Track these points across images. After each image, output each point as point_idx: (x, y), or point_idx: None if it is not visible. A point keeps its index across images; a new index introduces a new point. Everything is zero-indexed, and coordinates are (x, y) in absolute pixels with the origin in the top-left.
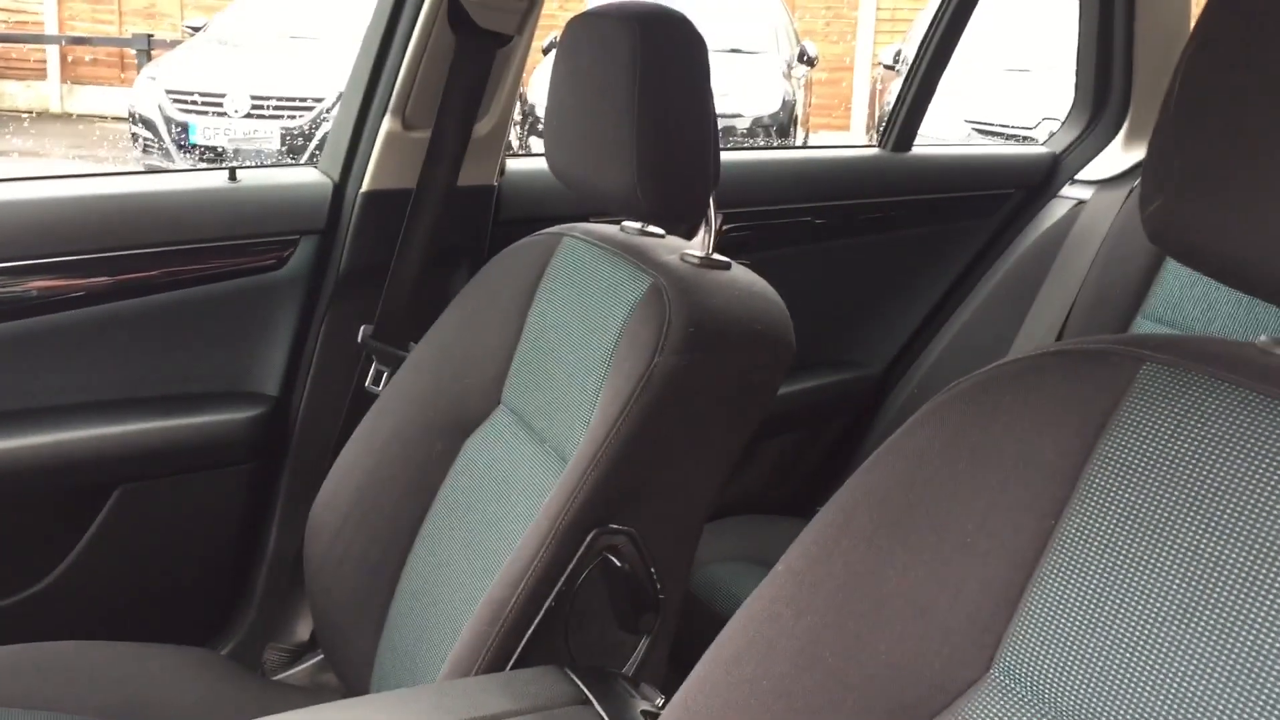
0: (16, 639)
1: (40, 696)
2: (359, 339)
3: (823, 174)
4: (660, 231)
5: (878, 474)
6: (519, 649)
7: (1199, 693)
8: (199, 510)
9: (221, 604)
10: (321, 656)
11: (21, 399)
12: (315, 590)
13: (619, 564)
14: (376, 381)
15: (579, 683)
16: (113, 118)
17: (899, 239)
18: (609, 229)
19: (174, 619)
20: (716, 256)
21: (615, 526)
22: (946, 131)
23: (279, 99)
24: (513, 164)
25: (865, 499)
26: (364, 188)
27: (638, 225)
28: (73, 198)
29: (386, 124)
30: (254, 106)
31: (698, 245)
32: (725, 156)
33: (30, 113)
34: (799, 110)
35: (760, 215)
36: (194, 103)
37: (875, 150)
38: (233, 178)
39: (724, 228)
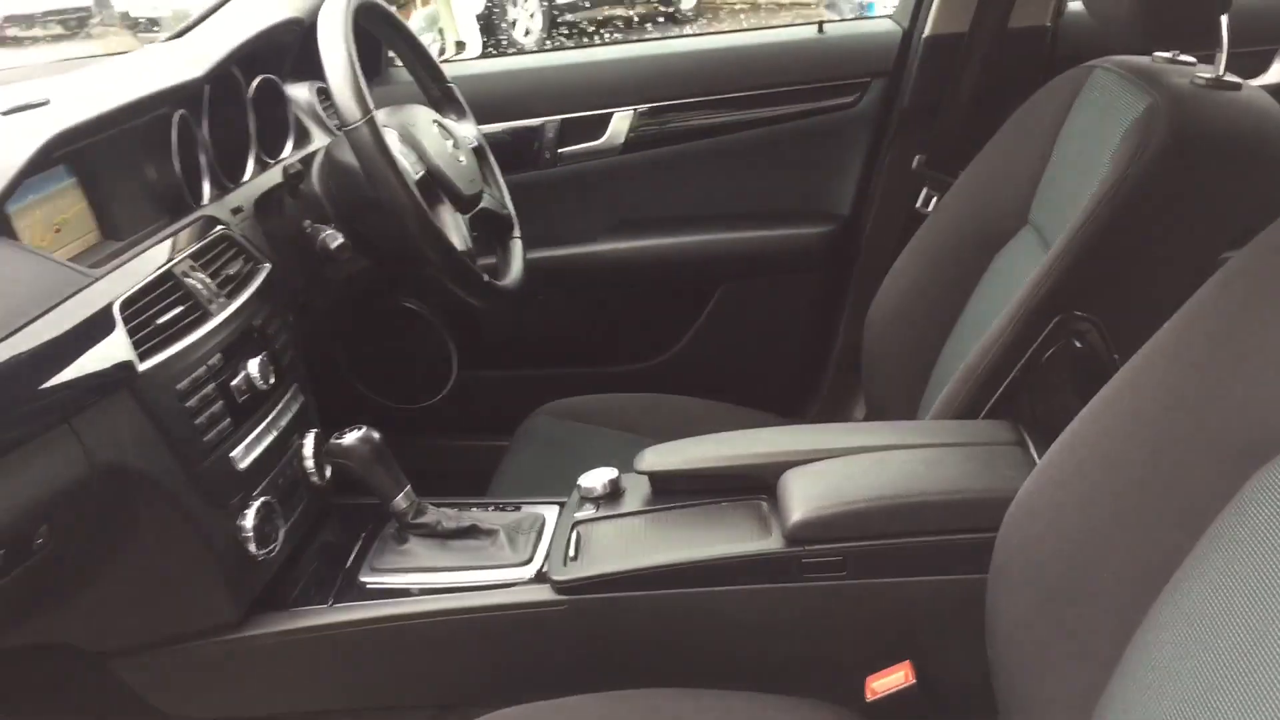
0: (645, 390)
1: (651, 428)
2: (914, 166)
3: None
4: (1191, 59)
5: (1256, 253)
6: (985, 408)
7: None
8: (783, 307)
9: (798, 384)
10: None
11: (656, 209)
12: (868, 377)
13: (1079, 346)
14: (927, 204)
15: (1023, 432)
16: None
17: None
18: (1141, 60)
19: (761, 393)
20: (1228, 78)
21: (1080, 314)
22: None
23: None
24: (1075, 5)
25: (1242, 272)
26: (926, 33)
27: (1169, 54)
28: (694, 51)
29: None
30: None
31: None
32: None
33: None
34: None
35: None
36: None
37: None
38: (820, 30)
39: None
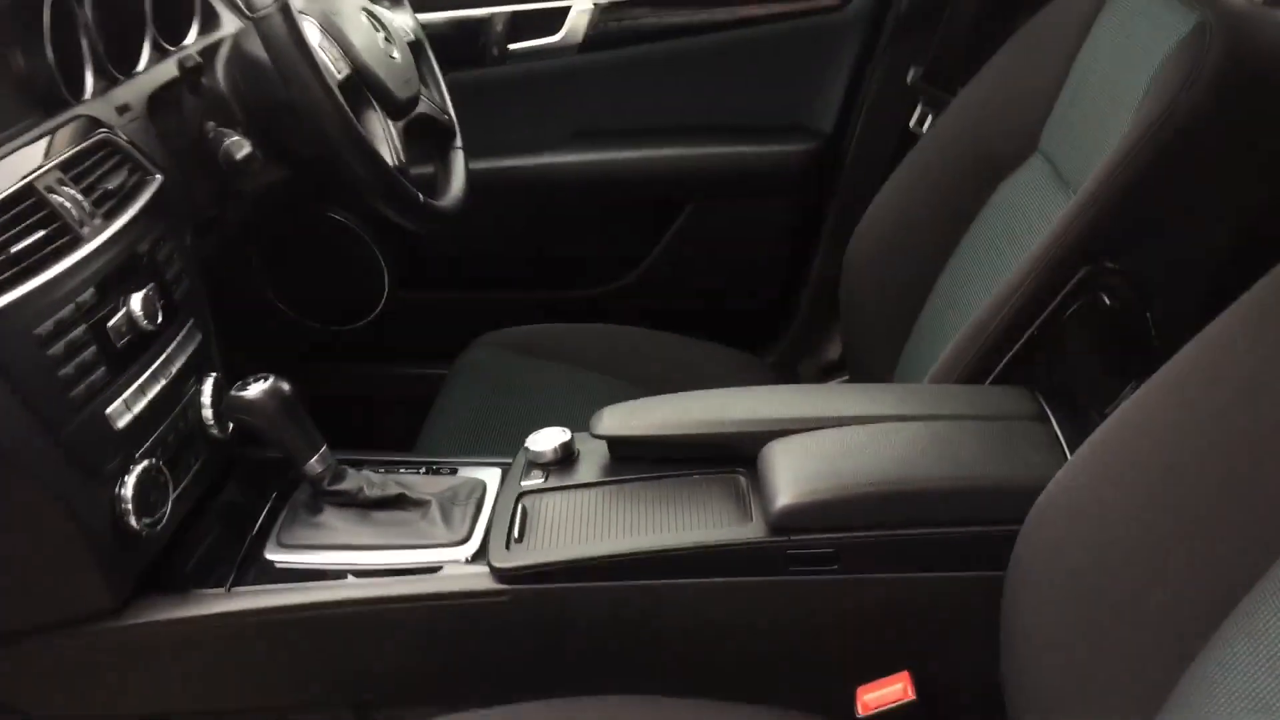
0: (600, 320)
1: (607, 365)
2: (909, 80)
3: None
4: None
5: None
6: (996, 369)
7: None
8: (755, 231)
9: (767, 318)
10: (847, 377)
11: (617, 118)
12: (847, 316)
13: (1109, 303)
14: (921, 123)
15: (1043, 403)
16: None
17: None
18: None
19: (726, 326)
20: None
21: (1111, 265)
22: None
23: None
24: None
25: None
26: None
27: None
28: None
29: None
30: None
31: None
32: None
33: None
34: None
35: None
36: None
37: None
38: None
39: None
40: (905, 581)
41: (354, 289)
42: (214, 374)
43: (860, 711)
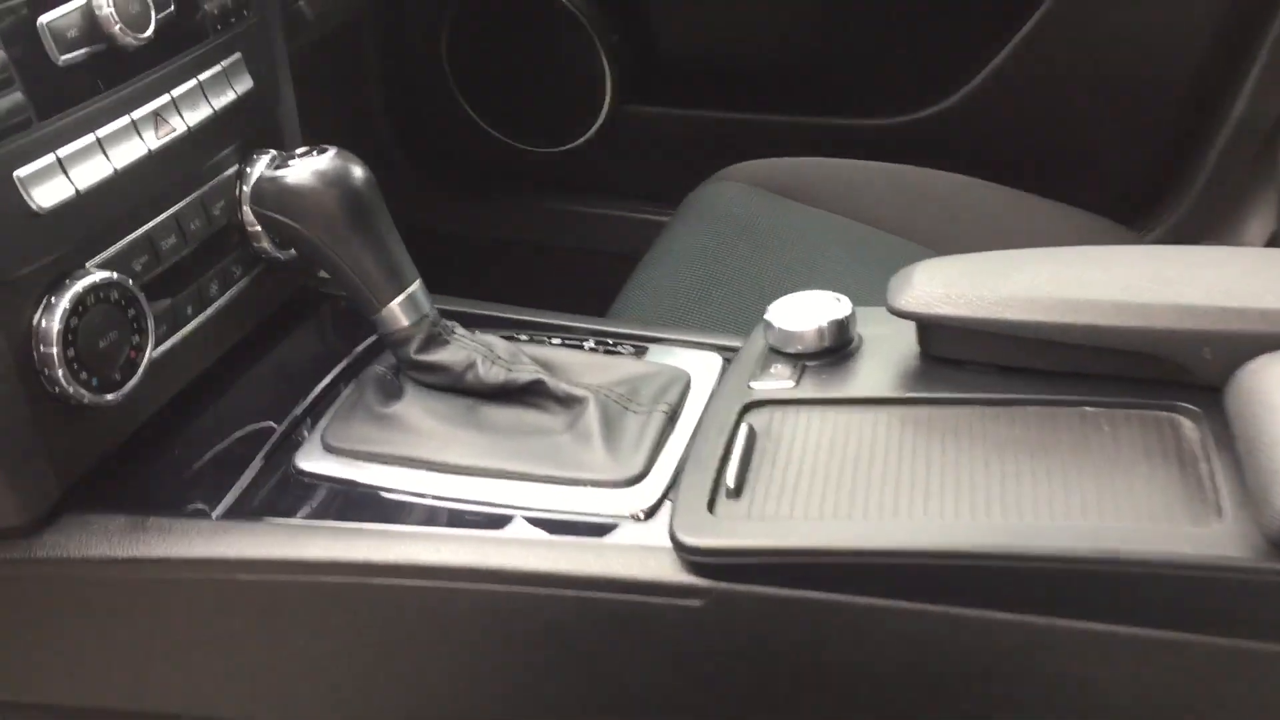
0: (899, 159)
1: (905, 223)
2: None
3: None
4: None
5: None
6: None
7: None
8: (1147, 43)
9: (1152, 174)
10: None
11: None
12: None
13: None
14: None
15: None
16: None
17: None
18: None
19: (1087, 182)
20: None
21: None
22: None
23: None
24: None
25: None
26: None
27: None
28: None
29: None
30: None
31: None
32: None
33: None
34: None
35: None
36: None
37: None
38: None
39: None
40: None
41: (565, 97)
42: (272, 152)
43: None
